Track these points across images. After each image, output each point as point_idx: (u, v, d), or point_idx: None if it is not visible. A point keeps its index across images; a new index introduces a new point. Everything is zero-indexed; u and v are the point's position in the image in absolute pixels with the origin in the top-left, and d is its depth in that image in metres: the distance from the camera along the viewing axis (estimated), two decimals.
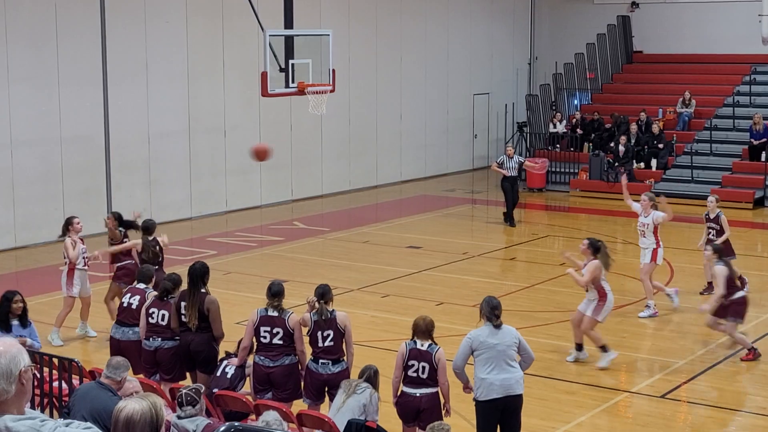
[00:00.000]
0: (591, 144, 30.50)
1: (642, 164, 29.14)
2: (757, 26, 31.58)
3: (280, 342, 10.30)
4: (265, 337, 10.34)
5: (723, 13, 32.60)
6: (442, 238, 22.78)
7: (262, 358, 10.37)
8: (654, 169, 28.96)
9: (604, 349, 13.49)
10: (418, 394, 9.58)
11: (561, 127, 31.48)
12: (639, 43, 34.43)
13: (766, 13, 31.31)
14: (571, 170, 29.81)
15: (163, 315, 11.17)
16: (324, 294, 10.39)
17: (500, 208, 25.19)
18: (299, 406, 10.27)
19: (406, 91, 30.98)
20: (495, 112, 34.19)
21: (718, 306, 13.76)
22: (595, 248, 13.33)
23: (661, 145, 29.23)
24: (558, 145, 31.04)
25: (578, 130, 30.97)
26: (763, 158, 27.71)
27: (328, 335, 10.22)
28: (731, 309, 13.73)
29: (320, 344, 10.26)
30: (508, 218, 24.06)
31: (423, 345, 9.61)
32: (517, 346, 9.75)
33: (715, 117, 30.39)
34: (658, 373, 13.43)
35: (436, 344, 9.65)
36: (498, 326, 9.72)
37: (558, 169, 30.06)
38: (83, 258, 14.56)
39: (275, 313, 10.36)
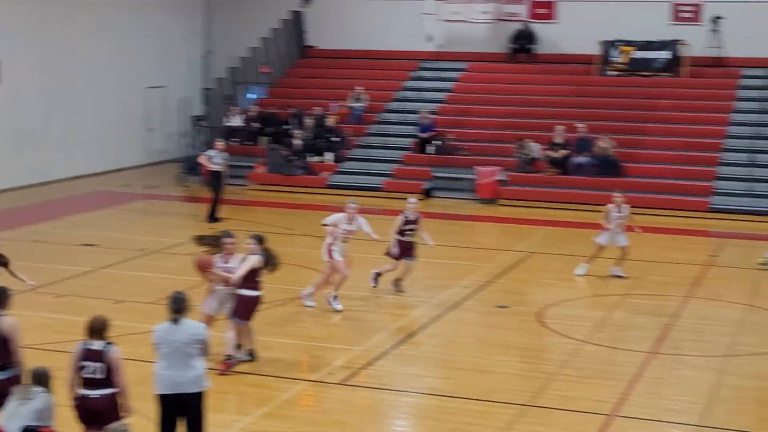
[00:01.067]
0: (268, 137, 30.76)
1: (317, 157, 29.73)
2: (422, 24, 33.04)
3: None
4: None
5: (390, 10, 33.75)
6: (119, 234, 22.24)
7: None
8: (329, 162, 29.62)
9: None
10: (95, 396, 9.30)
11: (238, 121, 31.54)
12: (312, 38, 35.06)
13: (428, 12, 32.85)
14: (249, 164, 29.92)
15: None
16: None
17: (178, 203, 24.92)
18: None
19: (79, 82, 29.93)
20: (171, 106, 33.78)
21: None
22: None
23: (335, 139, 29.94)
24: (235, 139, 31.07)
25: (255, 123, 31.15)
26: (430, 151, 29.00)
27: None
28: (238, 306, 13.09)
29: None
30: (212, 216, 23.60)
31: (96, 345, 9.34)
32: (199, 343, 9.70)
33: (385, 111, 31.49)
34: (337, 360, 13.74)
35: (110, 343, 9.39)
36: (175, 321, 9.64)
37: (236, 163, 30.07)
38: None
39: None
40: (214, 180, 23.80)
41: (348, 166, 29.62)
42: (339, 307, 16.00)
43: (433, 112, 30.34)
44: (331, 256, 15.96)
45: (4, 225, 22.84)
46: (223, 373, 12.73)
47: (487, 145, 28.28)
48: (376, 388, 12.96)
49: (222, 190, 23.93)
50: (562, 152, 27.66)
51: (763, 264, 19.28)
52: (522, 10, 32.64)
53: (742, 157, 27.03)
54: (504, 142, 28.21)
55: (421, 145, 29.41)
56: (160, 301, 14.80)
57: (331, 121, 30.29)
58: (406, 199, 17.92)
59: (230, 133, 31.29)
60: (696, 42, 30.15)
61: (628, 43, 30.75)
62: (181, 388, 9.61)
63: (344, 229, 16.03)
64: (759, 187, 25.64)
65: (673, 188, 26.32)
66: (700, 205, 25.88)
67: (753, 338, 15.32)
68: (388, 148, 30.06)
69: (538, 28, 32.38)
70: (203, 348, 9.79)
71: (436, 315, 16.15)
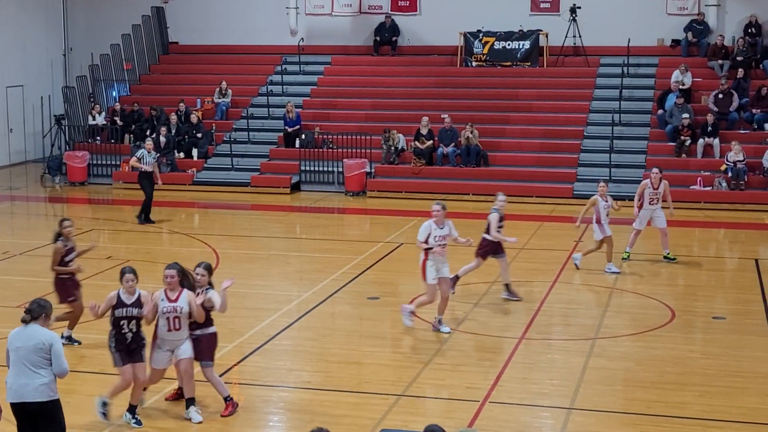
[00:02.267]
0: (132, 135, 30.29)
1: (182, 154, 29.41)
2: (285, 18, 33.02)
3: None
4: None
5: (253, 5, 33.61)
6: None
7: None
8: (195, 158, 29.34)
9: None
10: None
11: (101, 119, 30.96)
12: (174, 34, 34.63)
13: (292, 6, 32.89)
14: (114, 162, 29.42)
15: None
16: None
17: (42, 204, 24.32)
18: None
19: None
20: (30, 105, 32.93)
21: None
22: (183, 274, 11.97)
23: (200, 135, 29.64)
24: (98, 138, 30.52)
25: (118, 121, 30.63)
26: (297, 145, 28.96)
27: None
28: (201, 347, 11.80)
29: None
30: (146, 217, 23.06)
31: None
32: (46, 350, 9.31)
33: (251, 106, 31.31)
34: None
35: None
36: (25, 323, 9.38)
37: (100, 162, 29.58)
38: None
39: None
40: (145, 181, 23.13)
41: (214, 162, 29.38)
42: (446, 329, 14.94)
43: (298, 106, 30.32)
44: (424, 277, 14.80)
45: None
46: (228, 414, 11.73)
47: (354, 138, 28.37)
48: (248, 384, 12.89)
49: (152, 191, 23.22)
50: (428, 143, 27.95)
51: (625, 259, 19.71)
52: (385, 3, 32.86)
53: (604, 144, 27.70)
54: (370, 134, 28.34)
55: (288, 140, 29.35)
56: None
57: (195, 117, 29.97)
58: (496, 195, 16.69)
59: (94, 132, 30.73)
60: (555, 32, 30.81)
61: (490, 33, 31.22)
62: (25, 397, 9.28)
63: (438, 236, 14.66)
64: (619, 173, 26.33)
65: (538, 176, 26.84)
66: (565, 191, 26.46)
67: (617, 321, 15.76)
68: (254, 143, 29.91)
69: (401, 20, 32.62)
70: (50, 360, 9.31)
71: (307, 309, 16.16)
